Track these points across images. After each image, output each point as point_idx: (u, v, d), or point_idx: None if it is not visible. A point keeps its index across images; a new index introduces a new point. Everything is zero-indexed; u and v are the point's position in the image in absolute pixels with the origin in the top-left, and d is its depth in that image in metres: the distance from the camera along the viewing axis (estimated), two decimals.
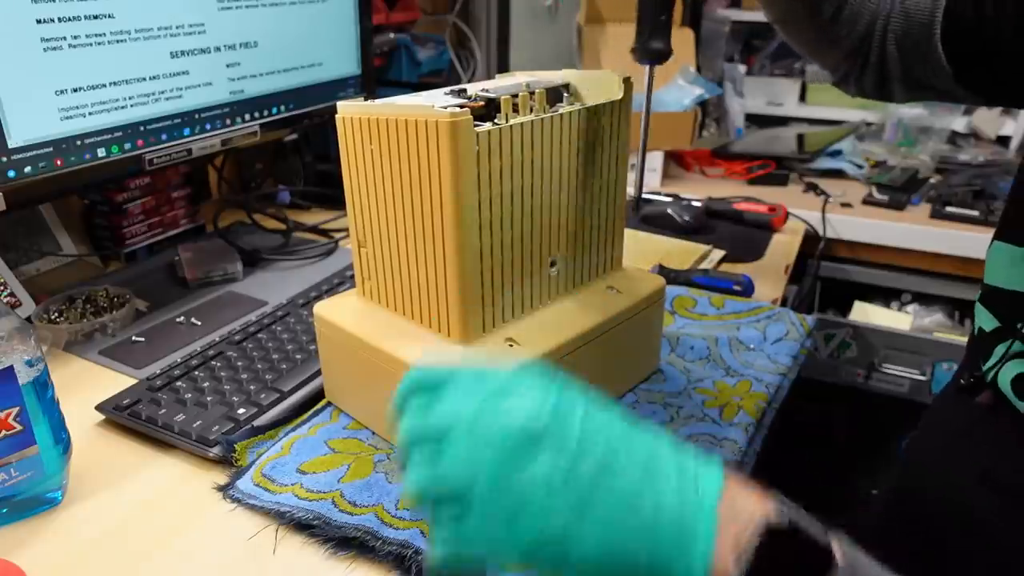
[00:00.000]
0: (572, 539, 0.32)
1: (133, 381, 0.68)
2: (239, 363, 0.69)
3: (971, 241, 1.26)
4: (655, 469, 0.33)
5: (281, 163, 1.22)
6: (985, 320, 0.63)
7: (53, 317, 0.79)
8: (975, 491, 0.58)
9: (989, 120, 1.65)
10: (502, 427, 0.33)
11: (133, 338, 0.77)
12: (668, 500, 0.32)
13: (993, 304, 0.62)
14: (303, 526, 0.52)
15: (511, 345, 0.56)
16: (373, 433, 0.62)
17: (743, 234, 1.16)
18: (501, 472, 0.32)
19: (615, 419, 0.35)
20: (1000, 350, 0.60)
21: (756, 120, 1.82)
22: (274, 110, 0.92)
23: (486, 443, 0.33)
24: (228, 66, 0.84)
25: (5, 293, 0.79)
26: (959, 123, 1.67)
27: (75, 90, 0.70)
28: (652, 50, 0.54)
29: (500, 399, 0.34)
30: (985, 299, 0.64)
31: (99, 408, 0.64)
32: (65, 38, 0.68)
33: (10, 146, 0.66)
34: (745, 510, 0.33)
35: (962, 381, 0.64)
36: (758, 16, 1.67)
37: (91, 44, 0.70)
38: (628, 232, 0.69)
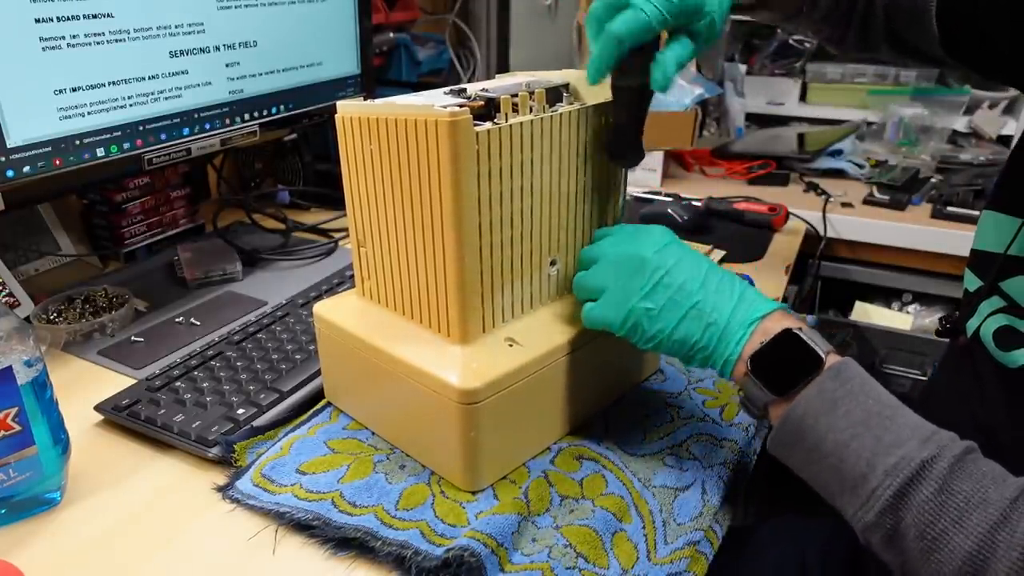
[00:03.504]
0: (647, 325, 0.53)
1: (132, 381, 0.67)
2: (238, 363, 0.69)
3: (972, 241, 1.26)
4: (721, 293, 0.52)
5: (281, 163, 1.22)
6: (970, 281, 0.68)
7: (52, 317, 0.78)
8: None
9: (990, 120, 1.64)
10: (627, 255, 0.55)
11: (132, 338, 0.77)
12: (722, 315, 0.51)
13: (978, 266, 0.68)
14: (303, 526, 0.52)
15: (511, 345, 0.56)
16: (373, 433, 0.62)
17: (743, 234, 1.16)
18: (618, 281, 0.54)
19: (701, 264, 0.53)
20: (984, 308, 0.64)
21: (756, 120, 1.82)
22: (273, 110, 0.92)
23: (616, 262, 0.55)
24: (227, 66, 0.84)
25: (4, 293, 0.79)
26: (960, 123, 1.66)
27: (74, 90, 0.70)
28: (633, 159, 0.58)
29: (632, 240, 0.56)
30: (972, 262, 0.69)
31: (98, 408, 0.63)
32: (64, 37, 0.68)
33: (9, 146, 0.66)
34: (776, 328, 0.50)
35: (939, 328, 0.71)
36: None
37: (90, 43, 0.70)
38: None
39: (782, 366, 0.49)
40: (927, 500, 0.42)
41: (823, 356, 0.48)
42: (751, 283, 0.93)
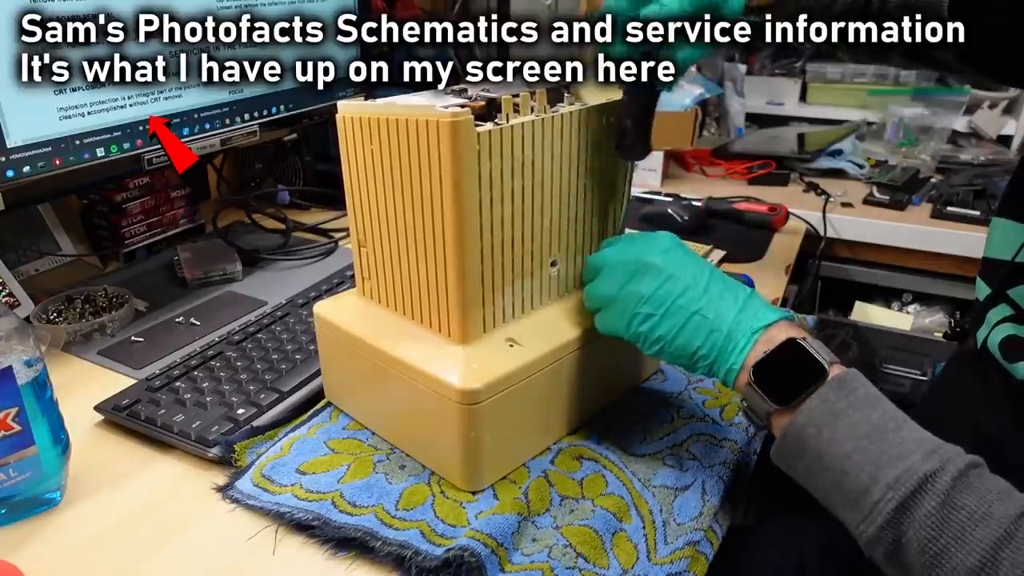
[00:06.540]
0: (649, 331, 0.53)
1: (132, 381, 0.67)
2: (238, 363, 0.69)
3: (972, 241, 1.26)
4: (725, 300, 0.52)
5: (281, 163, 1.22)
6: (981, 290, 0.67)
7: (52, 317, 0.78)
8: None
9: (990, 120, 1.64)
10: (630, 262, 0.54)
11: (132, 338, 0.77)
12: (725, 322, 0.51)
13: (989, 274, 0.67)
14: (303, 527, 0.52)
15: (511, 345, 0.56)
16: (373, 433, 0.62)
17: (743, 234, 1.16)
18: (622, 288, 0.54)
19: (704, 269, 0.53)
20: (992, 317, 0.63)
21: (756, 120, 1.81)
22: (273, 110, 0.91)
23: (620, 269, 0.55)
24: None
25: (4, 293, 0.79)
26: (960, 123, 1.66)
27: (74, 89, 0.70)
28: (640, 153, 0.59)
29: (634, 246, 0.56)
30: (982, 271, 0.68)
31: (98, 408, 0.63)
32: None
33: (9, 146, 0.66)
34: (780, 336, 0.50)
35: (947, 331, 0.71)
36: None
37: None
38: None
39: (785, 376, 0.49)
40: (929, 514, 0.41)
41: (827, 366, 0.48)
42: (751, 284, 0.94)
